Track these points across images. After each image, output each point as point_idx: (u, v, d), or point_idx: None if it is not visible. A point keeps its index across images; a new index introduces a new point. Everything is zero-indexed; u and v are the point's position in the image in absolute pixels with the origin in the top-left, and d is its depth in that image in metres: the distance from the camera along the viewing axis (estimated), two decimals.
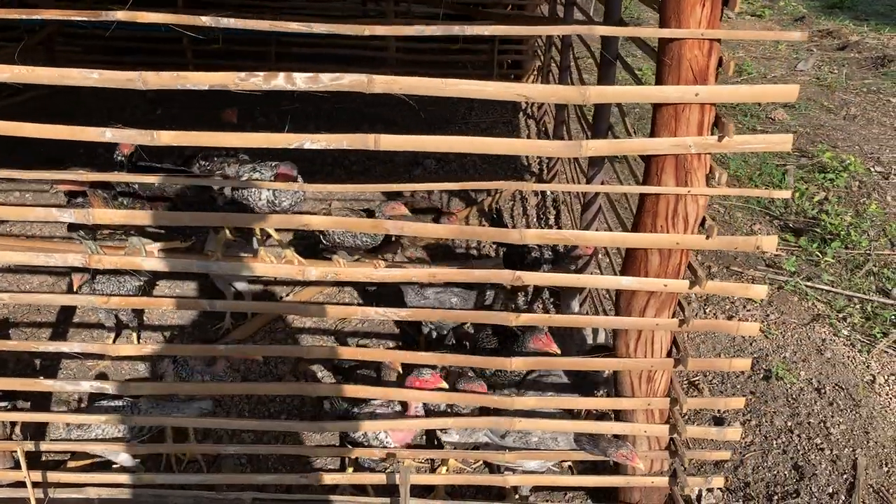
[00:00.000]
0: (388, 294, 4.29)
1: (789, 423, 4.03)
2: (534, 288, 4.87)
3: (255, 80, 2.49)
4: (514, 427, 3.13)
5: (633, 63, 7.95)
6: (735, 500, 3.60)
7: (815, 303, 5.12)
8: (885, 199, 6.47)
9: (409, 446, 3.33)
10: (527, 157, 7.33)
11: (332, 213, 3.70)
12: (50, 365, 4.37)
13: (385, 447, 3.27)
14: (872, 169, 7.05)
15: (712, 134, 2.60)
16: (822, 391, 4.24)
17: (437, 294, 3.98)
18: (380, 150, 2.58)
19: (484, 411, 3.26)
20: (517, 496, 3.53)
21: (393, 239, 5.33)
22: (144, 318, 4.82)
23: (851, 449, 3.85)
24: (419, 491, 3.47)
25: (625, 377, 3.13)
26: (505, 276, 2.85)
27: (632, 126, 7.31)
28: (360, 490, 3.53)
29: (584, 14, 5.92)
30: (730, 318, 4.95)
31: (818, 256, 5.66)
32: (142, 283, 4.34)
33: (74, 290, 4.01)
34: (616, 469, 3.39)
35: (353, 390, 3.10)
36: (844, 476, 3.70)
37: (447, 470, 3.62)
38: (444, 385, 3.17)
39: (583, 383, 3.45)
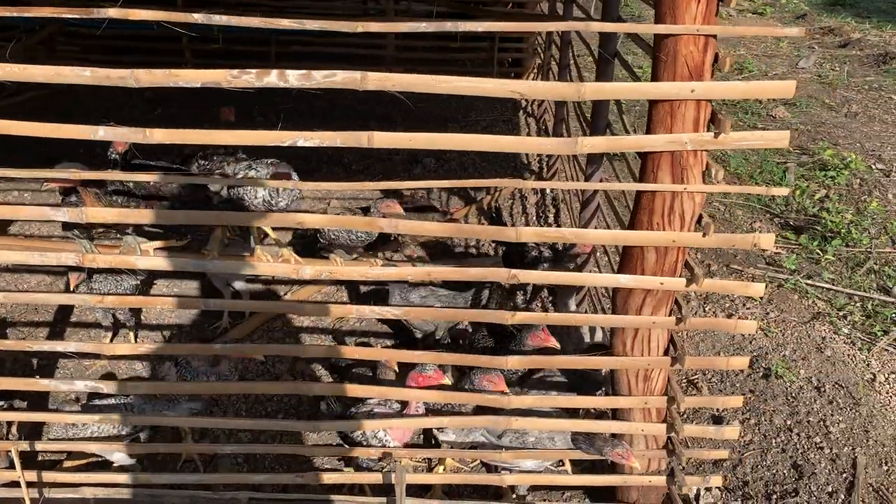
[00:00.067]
0: (385, 294, 4.28)
1: (788, 422, 4.01)
2: (533, 287, 4.86)
3: (248, 78, 2.48)
4: (510, 426, 3.12)
5: (634, 61, 7.94)
6: (734, 499, 3.59)
7: (815, 301, 5.10)
8: (886, 196, 6.44)
9: (407, 445, 3.32)
10: (526, 155, 7.31)
11: (328, 212, 3.67)
12: (47, 364, 4.36)
13: (385, 446, 3.26)
14: (874, 166, 7.02)
15: (708, 130, 2.58)
16: (822, 389, 4.22)
17: (422, 298, 3.96)
18: (374, 147, 2.57)
19: (481, 410, 3.24)
20: (514, 496, 3.52)
21: (392, 238, 5.32)
22: (142, 318, 4.82)
23: (851, 448, 3.83)
24: (416, 490, 3.45)
25: (621, 376, 3.11)
26: (500, 275, 2.83)
27: (633, 124, 7.31)
28: (357, 489, 3.52)
29: (583, 12, 5.90)
30: (729, 316, 4.93)
31: (819, 254, 5.63)
32: (138, 283, 4.33)
33: (71, 289, 4.00)
34: (613, 468, 3.37)
35: (349, 389, 3.08)
36: (844, 475, 3.68)
37: (444, 469, 3.61)
38: (447, 381, 3.15)
39: (584, 383, 3.43)
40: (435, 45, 9.15)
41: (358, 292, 5.06)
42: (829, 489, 3.60)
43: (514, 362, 3.02)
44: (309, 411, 4.00)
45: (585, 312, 4.43)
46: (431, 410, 3.33)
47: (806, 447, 3.85)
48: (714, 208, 6.39)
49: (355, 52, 8.96)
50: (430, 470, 3.71)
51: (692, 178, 2.65)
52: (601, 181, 4.26)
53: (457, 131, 8.16)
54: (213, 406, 3.98)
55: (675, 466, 3.23)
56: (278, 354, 3.36)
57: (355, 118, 7.90)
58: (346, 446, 3.37)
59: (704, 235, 2.70)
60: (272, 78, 2.47)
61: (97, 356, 4.31)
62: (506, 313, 2.91)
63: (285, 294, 5.02)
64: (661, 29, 2.46)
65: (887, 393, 4.25)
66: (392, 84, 2.47)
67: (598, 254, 4.79)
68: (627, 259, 2.90)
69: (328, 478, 3.34)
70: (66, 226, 3.60)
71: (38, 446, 3.32)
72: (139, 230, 4.12)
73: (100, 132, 2.61)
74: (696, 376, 4.33)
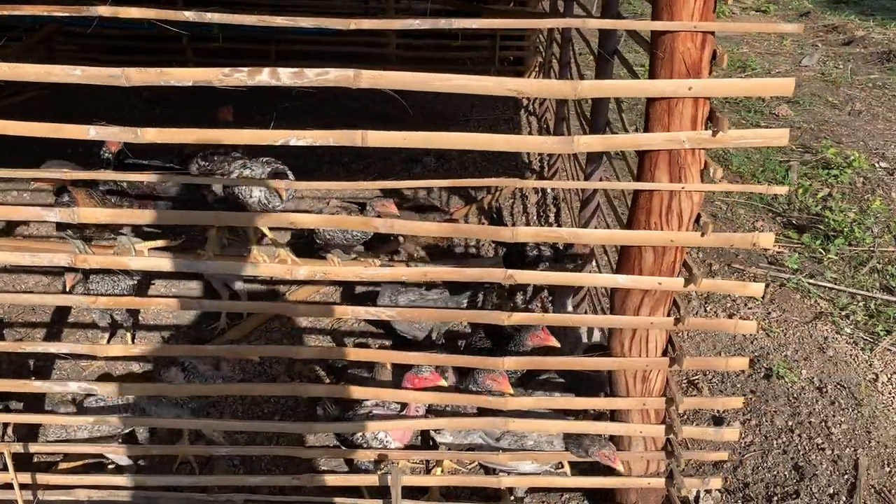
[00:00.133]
0: (377, 296, 4.25)
1: (790, 423, 3.98)
2: (533, 287, 4.82)
3: (240, 76, 2.46)
4: (506, 428, 3.09)
5: (636, 59, 7.90)
6: (734, 501, 3.55)
7: (817, 300, 5.06)
8: (889, 195, 6.40)
9: (407, 447, 3.30)
10: (528, 154, 7.27)
11: (324, 211, 3.64)
12: (43, 365, 4.34)
13: (386, 447, 3.23)
14: (877, 165, 6.97)
15: (707, 129, 2.55)
16: (824, 390, 4.19)
17: (410, 302, 3.92)
18: (368, 146, 2.54)
19: (484, 412, 3.21)
20: (512, 497, 3.49)
21: (392, 238, 5.29)
22: (140, 318, 4.79)
23: (853, 449, 3.79)
24: (415, 492, 3.43)
25: (619, 377, 3.08)
26: (497, 275, 2.80)
27: (634, 122, 7.27)
28: (354, 492, 3.49)
29: (583, 9, 5.86)
30: (731, 315, 4.90)
31: (821, 253, 5.59)
32: (135, 283, 4.31)
33: (67, 289, 3.98)
34: (612, 470, 3.34)
35: (345, 391, 3.06)
36: (846, 476, 3.65)
37: (442, 471, 3.58)
38: (444, 383, 3.12)
39: (587, 384, 3.40)
40: (436, 44, 9.12)
41: (355, 293, 5.03)
42: (831, 491, 3.57)
43: (510, 363, 2.99)
44: (306, 412, 3.97)
45: (585, 312, 4.40)
46: (432, 411, 3.31)
47: (807, 448, 3.81)
48: (716, 207, 6.35)
49: (357, 50, 8.93)
50: (428, 471, 3.68)
51: (690, 177, 2.62)
52: (601, 180, 4.23)
53: (458, 130, 8.15)
54: (210, 407, 3.95)
55: (675, 468, 3.19)
56: (272, 356, 3.32)
57: (356, 117, 7.87)
58: (342, 448, 3.35)
59: (703, 235, 2.67)
60: (264, 76, 2.45)
61: (94, 357, 4.29)
62: (502, 314, 2.87)
63: (284, 294, 4.99)
64: (658, 25, 2.43)
65: (890, 393, 4.21)
66: (386, 82, 2.44)
67: (597, 254, 4.75)
68: (625, 259, 2.87)
69: (324, 480, 3.31)
70: (61, 226, 3.58)
71: (32, 448, 3.30)
72: (135, 230, 4.10)
73: (91, 132, 2.59)
74: (697, 377, 4.30)
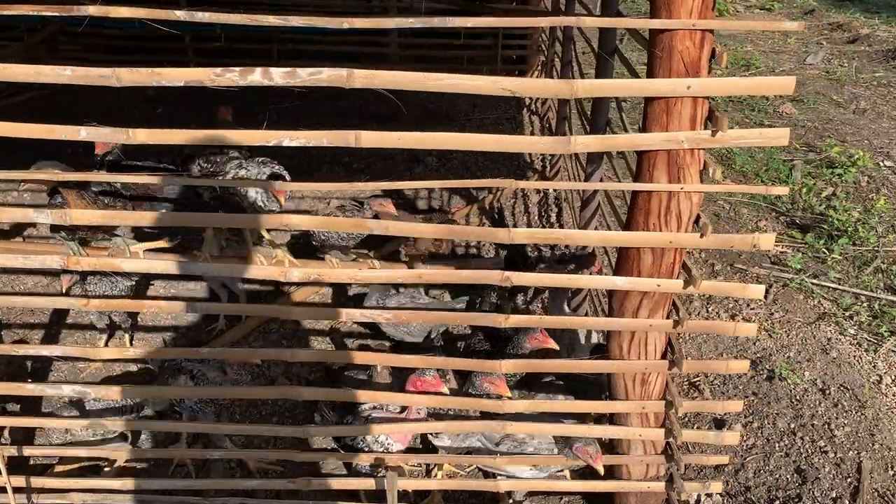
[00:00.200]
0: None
1: (792, 425, 3.93)
2: (534, 288, 4.78)
3: (231, 76, 2.42)
4: (504, 431, 3.05)
5: (639, 58, 7.84)
6: None
7: (820, 301, 5.01)
8: (894, 194, 6.34)
9: (406, 449, 3.27)
10: (530, 153, 7.23)
11: (321, 212, 3.61)
12: (40, 367, 4.32)
13: (387, 450, 3.19)
14: (882, 163, 6.92)
15: (706, 128, 2.51)
16: (827, 392, 4.14)
17: (400, 305, 3.88)
18: (362, 147, 2.51)
19: (485, 416, 3.17)
20: (511, 501, 3.46)
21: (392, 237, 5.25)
22: (138, 319, 4.77)
23: (856, 452, 3.75)
24: (414, 496, 3.39)
25: (618, 380, 3.04)
26: (494, 277, 2.77)
27: (636, 122, 7.22)
28: (352, 495, 3.46)
29: (584, 8, 5.82)
30: (733, 316, 4.85)
31: (825, 253, 5.54)
32: (133, 283, 4.28)
33: (63, 291, 3.96)
34: (611, 474, 3.30)
35: (338, 394, 3.03)
36: (849, 480, 3.60)
37: (441, 475, 3.54)
38: (445, 390, 3.09)
39: (590, 387, 3.36)
40: (438, 43, 9.07)
41: (349, 295, 4.98)
42: (834, 495, 3.52)
43: (508, 366, 2.95)
44: (304, 414, 3.94)
45: (586, 313, 4.36)
46: (432, 414, 3.27)
47: (810, 451, 3.77)
48: (719, 206, 6.30)
49: (359, 49, 8.89)
50: (428, 475, 3.65)
51: (689, 177, 2.58)
52: (602, 180, 4.19)
53: (460, 129, 8.11)
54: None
55: (674, 472, 3.15)
56: (265, 359, 3.30)
57: (358, 117, 7.84)
58: (342, 452, 3.31)
59: (702, 236, 2.63)
60: (256, 76, 2.42)
61: (91, 359, 4.26)
62: (499, 316, 2.84)
63: (287, 293, 4.95)
64: (656, 24, 2.39)
65: (894, 395, 4.17)
66: (379, 82, 2.41)
67: (596, 255, 4.70)
68: (624, 260, 2.83)
69: (320, 483, 3.28)
70: (54, 227, 3.55)
71: (26, 451, 3.28)
72: (133, 230, 4.08)
73: (82, 133, 2.57)
74: (698, 378, 4.25)
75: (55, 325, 4.76)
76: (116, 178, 2.81)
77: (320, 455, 3.30)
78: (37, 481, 3.29)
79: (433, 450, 3.53)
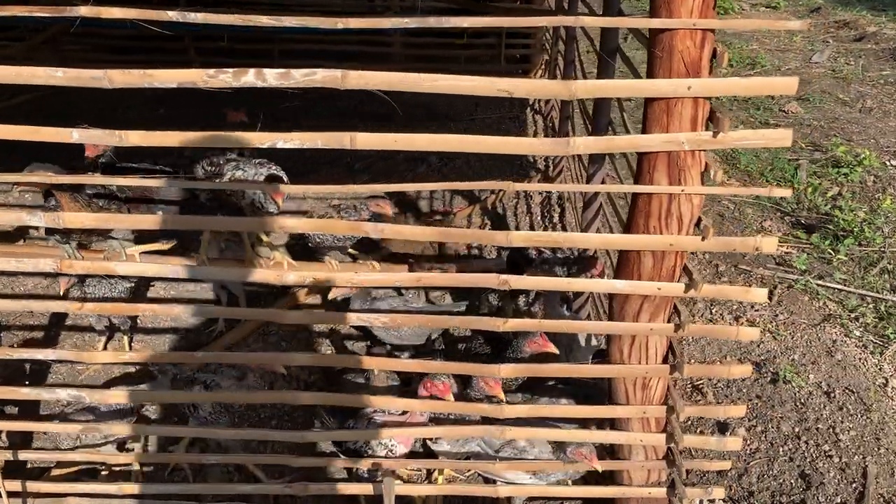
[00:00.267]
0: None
1: (797, 429, 3.88)
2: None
3: (224, 77, 2.39)
4: (503, 436, 3.01)
5: (642, 57, 7.78)
6: None
7: (826, 302, 4.96)
8: None
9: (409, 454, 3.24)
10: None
11: (315, 214, 3.58)
12: (39, 369, 4.30)
13: (392, 452, 3.16)
14: (888, 163, 6.85)
15: (707, 129, 2.46)
16: (832, 395, 4.09)
17: (391, 307, 3.83)
18: (357, 149, 2.47)
19: (486, 421, 3.13)
20: None
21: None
22: (138, 321, 4.74)
23: (861, 456, 3.70)
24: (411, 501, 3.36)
25: (619, 384, 3.00)
26: (491, 281, 2.73)
27: (639, 121, 7.16)
28: (352, 501, 3.43)
29: (587, 7, 5.77)
30: (737, 318, 4.80)
31: (830, 254, 5.48)
32: (133, 285, 4.25)
33: (61, 293, 3.93)
34: (612, 479, 3.26)
35: (334, 399, 3.00)
36: (853, 485, 3.56)
37: (442, 480, 3.51)
38: (450, 398, 3.05)
39: (594, 390, 3.32)
40: (442, 42, 9.03)
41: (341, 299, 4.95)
42: (839, 500, 3.48)
43: (507, 371, 2.91)
44: (303, 417, 3.91)
45: (588, 315, 4.32)
46: (432, 419, 3.24)
47: (814, 455, 3.72)
48: (723, 206, 6.25)
49: (363, 49, 8.86)
50: (429, 480, 3.61)
51: (690, 179, 2.53)
52: (604, 179, 4.15)
53: (463, 128, 8.05)
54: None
55: (676, 478, 3.11)
56: (259, 363, 3.27)
57: (358, 116, 7.80)
58: (341, 457, 3.28)
59: (703, 239, 2.58)
60: (249, 77, 2.38)
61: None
62: (497, 321, 2.80)
63: (290, 293, 4.91)
64: (656, 23, 2.34)
65: None
66: (374, 83, 2.37)
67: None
68: (624, 263, 2.79)
69: (317, 488, 3.25)
70: (49, 229, 3.53)
71: (22, 455, 3.25)
72: (131, 232, 4.05)
73: (74, 135, 2.54)
74: (701, 381, 4.21)
75: (55, 327, 4.73)
76: (111, 181, 2.78)
77: (315, 460, 3.26)
78: (32, 486, 3.26)
79: (433, 454, 3.49)
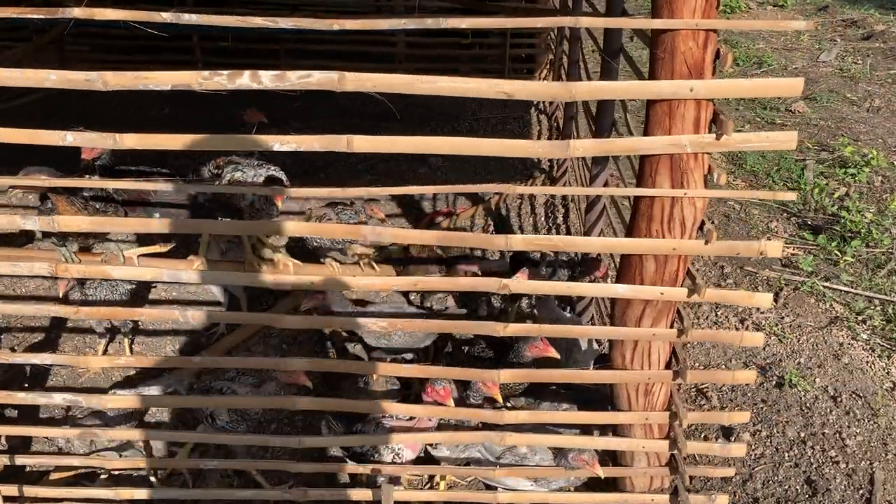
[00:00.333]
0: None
1: (802, 434, 3.83)
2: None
3: (219, 80, 2.36)
4: (504, 442, 2.97)
5: (646, 58, 7.72)
6: None
7: (832, 305, 4.90)
8: None
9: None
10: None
11: (312, 216, 3.55)
12: (39, 372, 4.28)
13: (400, 457, 3.13)
14: None
15: (710, 131, 2.42)
16: (839, 399, 4.03)
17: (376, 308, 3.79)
18: (353, 151, 2.44)
19: (487, 427, 3.10)
20: None
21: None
22: (139, 323, 4.71)
23: (868, 462, 3.65)
24: None
25: (621, 390, 2.96)
26: (491, 285, 2.69)
27: (642, 122, 7.11)
28: None
29: (591, 7, 5.72)
30: (742, 320, 4.74)
31: (837, 255, 5.42)
32: (134, 287, 4.22)
33: (60, 295, 3.90)
34: (615, 486, 3.22)
35: (336, 404, 2.97)
36: (860, 491, 3.50)
37: (444, 486, 3.47)
38: (451, 403, 3.01)
39: (597, 395, 3.28)
40: (445, 43, 9.00)
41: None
42: None
43: (506, 375, 2.88)
44: (303, 421, 3.88)
45: (591, 317, 4.28)
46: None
47: (820, 461, 3.67)
48: (729, 207, 6.19)
49: (365, 49, 8.83)
50: (431, 486, 3.58)
51: (693, 182, 2.49)
52: (608, 181, 4.10)
53: (467, 128, 7.99)
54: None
55: (679, 484, 3.07)
56: (258, 367, 3.24)
57: (359, 116, 7.75)
58: (349, 462, 3.24)
59: (707, 243, 2.54)
60: (244, 79, 2.36)
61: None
62: (497, 325, 2.76)
63: (289, 294, 4.88)
64: (658, 24, 2.31)
65: None
66: (371, 85, 2.34)
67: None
68: (626, 268, 2.75)
69: (317, 493, 3.22)
70: (46, 232, 3.50)
71: (19, 460, 3.23)
72: (131, 234, 4.02)
73: (68, 138, 2.52)
74: (706, 385, 4.16)
75: (55, 329, 4.71)
76: (105, 184, 2.75)
77: (314, 466, 3.23)
78: (30, 490, 3.24)
79: (435, 460, 3.46)
